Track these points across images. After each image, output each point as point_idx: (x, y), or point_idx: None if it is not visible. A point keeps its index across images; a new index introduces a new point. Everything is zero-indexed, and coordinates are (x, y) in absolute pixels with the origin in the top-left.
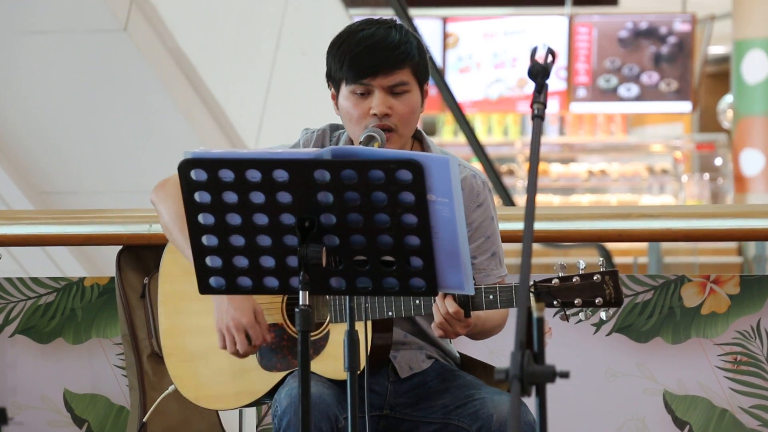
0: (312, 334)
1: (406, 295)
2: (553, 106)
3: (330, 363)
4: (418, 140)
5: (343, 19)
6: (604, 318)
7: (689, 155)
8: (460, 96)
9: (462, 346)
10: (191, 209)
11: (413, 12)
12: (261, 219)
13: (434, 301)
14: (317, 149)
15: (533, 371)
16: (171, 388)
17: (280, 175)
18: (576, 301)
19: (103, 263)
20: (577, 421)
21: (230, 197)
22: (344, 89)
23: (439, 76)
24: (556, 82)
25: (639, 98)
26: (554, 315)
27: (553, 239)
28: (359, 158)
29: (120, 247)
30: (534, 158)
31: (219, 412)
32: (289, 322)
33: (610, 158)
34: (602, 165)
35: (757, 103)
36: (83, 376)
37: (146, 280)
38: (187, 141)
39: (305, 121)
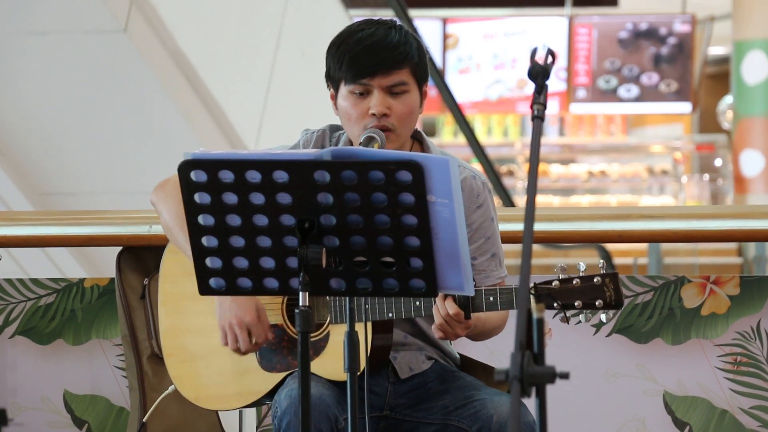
0: (312, 335)
1: (406, 296)
2: (552, 107)
3: (330, 364)
4: (418, 141)
5: (343, 19)
6: (605, 320)
7: (689, 156)
8: (459, 97)
9: (462, 347)
10: (191, 210)
11: (413, 13)
12: (261, 220)
13: (434, 302)
14: (317, 150)
15: (533, 372)
16: (171, 389)
17: (280, 176)
18: (576, 303)
19: (103, 264)
20: (577, 422)
21: (230, 198)
22: (343, 89)
23: (439, 76)
24: (555, 83)
25: (639, 99)
26: (554, 316)
27: (553, 240)
28: (359, 159)
29: (120, 248)
30: (534, 159)
31: (219, 412)
32: (289, 323)
33: (610, 159)
34: (602, 166)
35: (757, 104)
36: (83, 377)
37: (146, 281)
38: (187, 142)
39: (305, 121)
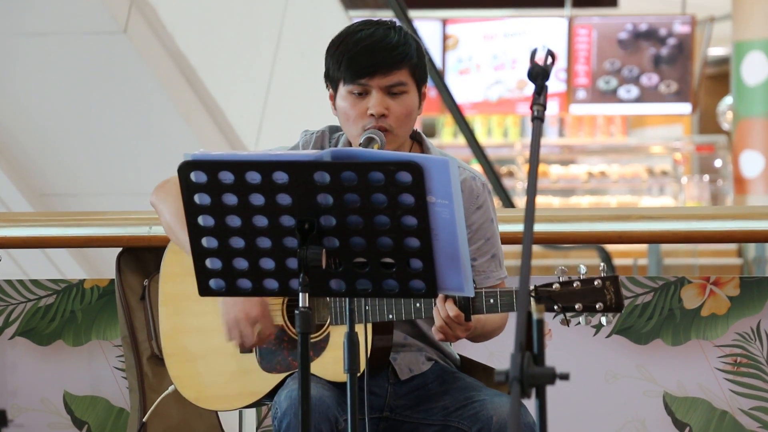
0: (312, 335)
1: (406, 297)
2: (552, 108)
3: (330, 365)
4: (418, 142)
5: (343, 20)
6: (605, 323)
7: (689, 157)
8: (459, 98)
9: (462, 348)
10: (191, 211)
11: (413, 13)
12: (261, 221)
13: (434, 304)
14: (317, 151)
15: (533, 373)
16: (171, 389)
17: (280, 177)
18: (576, 306)
19: (103, 265)
20: (577, 423)
21: (230, 199)
22: (342, 89)
23: (439, 77)
24: (555, 83)
25: (639, 100)
26: (554, 317)
27: (553, 241)
28: (359, 160)
29: (120, 249)
30: (534, 160)
31: (219, 413)
32: (289, 324)
33: (610, 160)
34: (602, 166)
35: (757, 105)
36: (83, 378)
37: (146, 282)
38: (187, 143)
39: (305, 122)
